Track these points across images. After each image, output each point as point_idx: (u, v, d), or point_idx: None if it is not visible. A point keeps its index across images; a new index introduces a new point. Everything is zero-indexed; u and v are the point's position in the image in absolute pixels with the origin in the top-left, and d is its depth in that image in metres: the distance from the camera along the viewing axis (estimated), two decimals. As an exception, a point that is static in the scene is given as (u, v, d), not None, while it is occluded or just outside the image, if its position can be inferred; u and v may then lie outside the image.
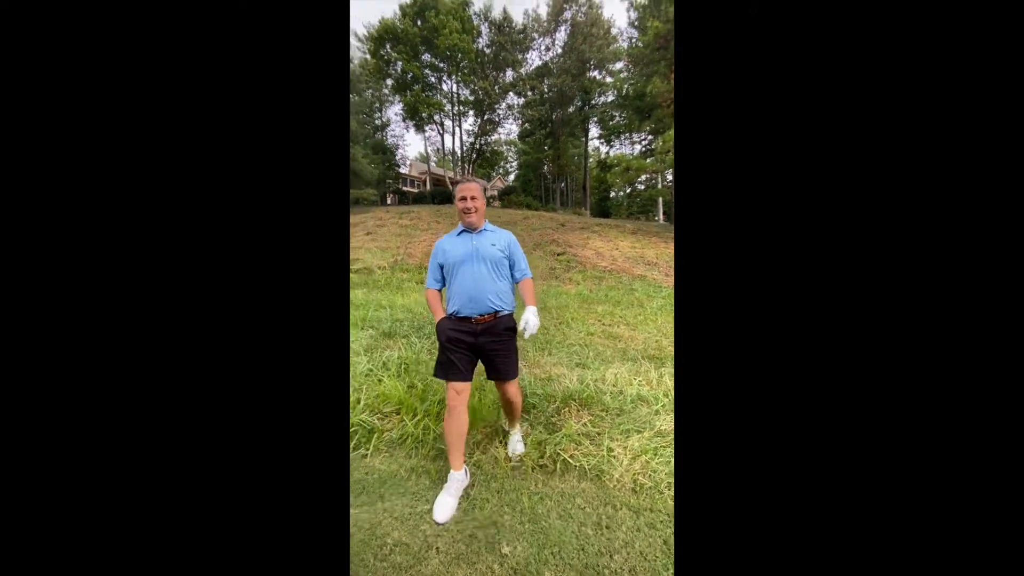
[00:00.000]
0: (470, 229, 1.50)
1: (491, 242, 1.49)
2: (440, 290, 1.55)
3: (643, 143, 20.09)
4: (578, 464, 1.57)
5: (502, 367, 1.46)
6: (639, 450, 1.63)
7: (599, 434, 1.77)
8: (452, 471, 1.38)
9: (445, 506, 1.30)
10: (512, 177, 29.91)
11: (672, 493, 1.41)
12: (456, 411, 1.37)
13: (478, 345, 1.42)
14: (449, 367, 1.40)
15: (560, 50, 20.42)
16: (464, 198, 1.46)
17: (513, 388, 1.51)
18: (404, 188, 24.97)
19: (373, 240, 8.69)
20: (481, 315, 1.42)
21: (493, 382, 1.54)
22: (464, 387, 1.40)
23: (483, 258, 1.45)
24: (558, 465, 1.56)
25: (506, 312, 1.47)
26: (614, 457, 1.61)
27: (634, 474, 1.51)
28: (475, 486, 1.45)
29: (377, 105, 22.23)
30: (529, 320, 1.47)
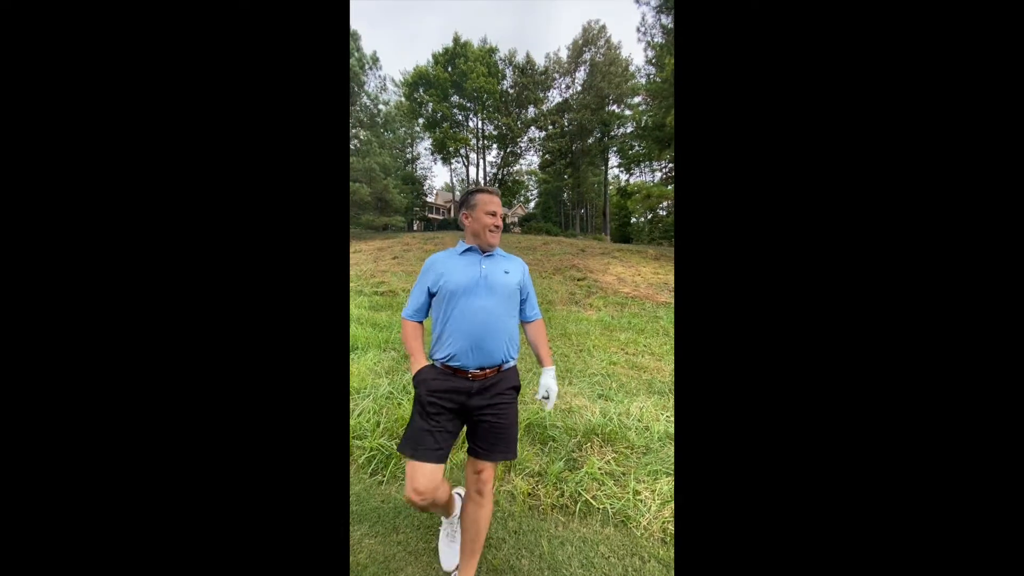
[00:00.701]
0: (483, 250, 1.12)
1: (504, 268, 1.11)
2: (422, 322, 1.13)
3: (663, 171, 20.21)
4: (601, 506, 1.46)
5: (498, 442, 1.00)
6: (669, 495, 1.50)
7: (624, 474, 1.66)
8: (443, 518, 1.19)
9: (448, 553, 1.19)
10: (532, 204, 30.77)
11: (708, 548, 1.27)
12: (422, 506, 0.96)
13: (468, 408, 1.00)
14: (422, 441, 0.95)
15: (580, 88, 21.57)
16: (494, 213, 1.09)
17: (492, 472, 1.04)
18: (430, 216, 26.37)
19: (399, 264, 9.09)
20: (482, 368, 1.00)
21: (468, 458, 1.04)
22: (437, 472, 0.96)
23: (494, 289, 1.04)
24: (579, 506, 1.47)
25: (511, 364, 1.07)
26: (641, 501, 1.49)
27: (663, 522, 1.38)
28: (492, 524, 1.39)
29: (409, 141, 24.20)
30: (551, 388, 1.12)
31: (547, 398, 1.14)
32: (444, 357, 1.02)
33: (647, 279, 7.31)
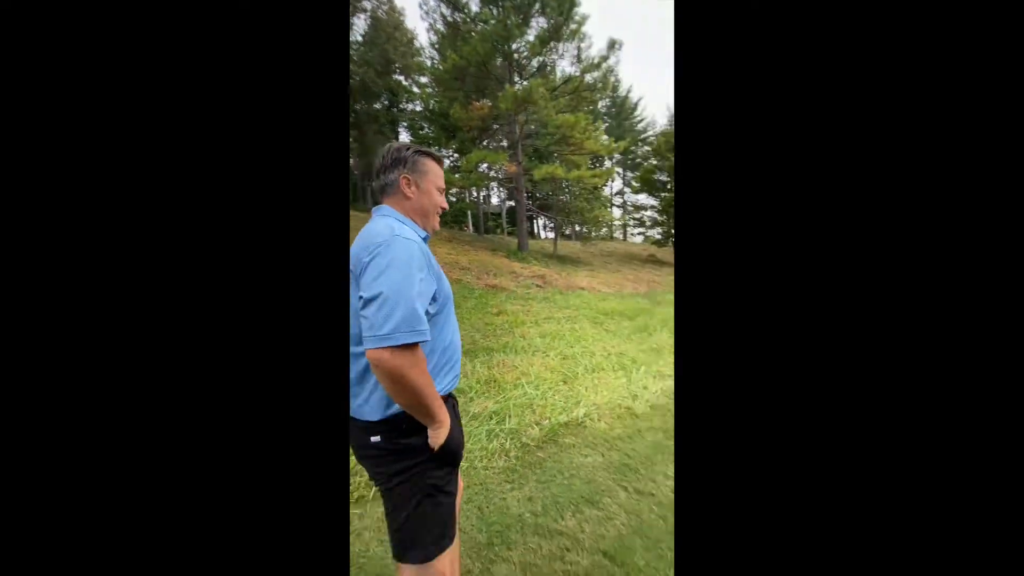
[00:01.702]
0: (426, 237, 0.86)
1: None
2: None
3: (451, 159, 21.92)
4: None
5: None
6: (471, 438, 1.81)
7: (422, 437, 1.81)
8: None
9: None
10: (305, 166, 24.34)
11: (484, 464, 1.67)
12: None
13: None
14: (452, 521, 0.78)
15: (360, 38, 18.69)
16: (443, 190, 0.88)
17: None
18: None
19: None
20: None
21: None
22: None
23: None
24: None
25: None
26: (437, 453, 1.69)
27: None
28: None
29: None
30: None
31: None
32: (450, 384, 0.81)
33: (442, 259, 7.91)
